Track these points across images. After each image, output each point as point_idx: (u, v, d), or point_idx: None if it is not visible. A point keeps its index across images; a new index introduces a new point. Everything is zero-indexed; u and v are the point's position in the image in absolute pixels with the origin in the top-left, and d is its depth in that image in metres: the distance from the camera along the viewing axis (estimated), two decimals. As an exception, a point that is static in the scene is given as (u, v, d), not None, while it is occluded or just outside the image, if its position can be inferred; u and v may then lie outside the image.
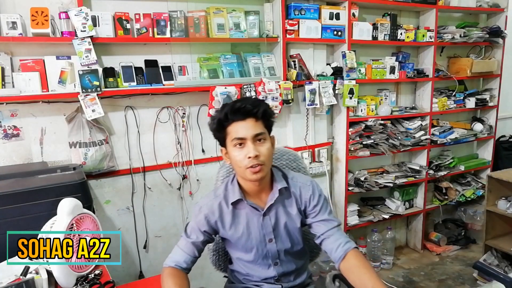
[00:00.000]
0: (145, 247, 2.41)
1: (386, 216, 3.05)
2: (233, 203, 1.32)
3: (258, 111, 1.23)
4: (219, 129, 1.26)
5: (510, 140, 3.90)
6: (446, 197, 3.40)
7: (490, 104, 3.48)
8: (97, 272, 1.43)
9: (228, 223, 1.34)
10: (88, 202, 1.59)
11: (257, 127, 1.23)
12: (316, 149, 2.82)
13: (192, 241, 1.34)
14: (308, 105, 2.63)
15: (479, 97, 3.42)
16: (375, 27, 2.83)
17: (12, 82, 1.93)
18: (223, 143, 1.29)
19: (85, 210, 1.45)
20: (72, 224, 1.37)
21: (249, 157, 1.21)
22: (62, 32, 2.00)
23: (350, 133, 2.82)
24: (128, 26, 2.13)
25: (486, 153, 3.67)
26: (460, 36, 3.14)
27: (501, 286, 1.33)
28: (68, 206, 1.35)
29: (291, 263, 1.43)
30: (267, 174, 1.30)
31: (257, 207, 1.32)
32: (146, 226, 2.40)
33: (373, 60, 2.95)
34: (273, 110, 1.32)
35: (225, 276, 1.64)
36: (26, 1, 1.95)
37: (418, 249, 3.35)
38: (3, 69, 1.91)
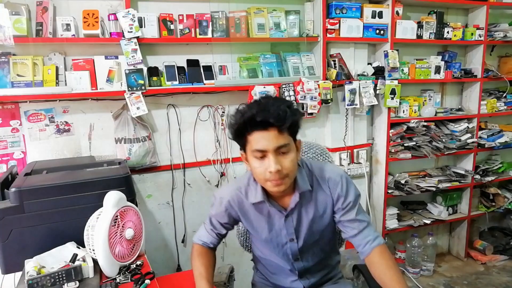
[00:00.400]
0: (183, 241, 2.48)
1: (428, 221, 2.94)
2: (255, 203, 1.27)
3: (284, 124, 1.08)
4: (238, 135, 1.14)
5: None
6: (494, 203, 3.22)
7: (546, 106, 3.25)
8: (138, 263, 1.49)
9: (249, 218, 1.31)
10: (131, 195, 1.65)
11: (280, 139, 1.09)
12: (355, 150, 2.77)
13: (214, 229, 1.38)
14: (347, 105, 2.59)
15: (533, 100, 3.21)
16: (420, 25, 2.74)
17: (65, 80, 2.05)
18: (243, 147, 1.17)
19: (129, 203, 1.51)
20: (117, 216, 1.43)
21: (270, 172, 1.09)
22: (110, 33, 2.10)
23: (391, 135, 2.75)
24: (172, 27, 2.20)
25: (541, 158, 3.44)
26: (514, 34, 2.96)
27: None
28: (113, 199, 1.42)
29: (314, 258, 1.37)
30: (291, 184, 1.18)
31: (280, 209, 1.25)
32: (184, 221, 2.46)
33: (417, 60, 2.85)
34: (301, 115, 1.24)
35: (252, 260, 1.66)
36: (78, 4, 2.07)
37: (462, 257, 3.20)
38: (57, 68, 2.04)
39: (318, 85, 2.45)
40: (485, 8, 2.89)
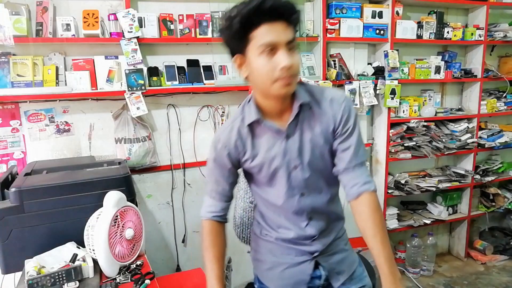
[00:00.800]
0: (183, 241, 2.48)
1: (428, 221, 2.94)
2: (250, 124, 1.10)
3: (294, 14, 0.98)
4: (240, 33, 0.98)
5: None
6: (494, 203, 3.22)
7: (546, 106, 3.25)
8: (138, 262, 1.49)
9: (249, 150, 1.12)
10: (131, 195, 1.65)
11: (289, 32, 0.99)
12: (355, 150, 2.77)
13: (219, 189, 1.20)
14: (347, 105, 2.59)
15: (533, 99, 3.21)
16: (420, 25, 2.74)
17: (65, 80, 2.05)
18: (241, 49, 1.01)
19: (129, 203, 1.51)
20: (117, 216, 1.44)
21: (282, 67, 0.97)
22: (110, 33, 2.10)
23: (391, 135, 2.75)
24: (172, 27, 2.20)
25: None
26: (514, 34, 2.96)
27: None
28: (113, 199, 1.42)
29: (320, 194, 1.17)
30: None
31: (279, 129, 1.09)
32: (184, 221, 2.46)
33: (417, 60, 2.85)
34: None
35: (248, 252, 1.63)
36: (78, 4, 2.07)
37: (462, 257, 3.20)
38: (57, 68, 2.04)
39: (318, 85, 2.45)
40: (485, 8, 2.89)
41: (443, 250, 3.33)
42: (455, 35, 2.84)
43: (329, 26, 2.48)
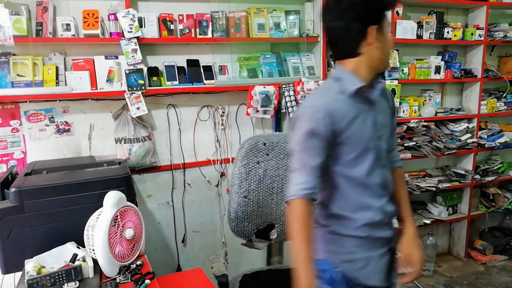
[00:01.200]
0: (183, 241, 2.48)
1: (428, 221, 2.94)
2: (355, 91, 1.12)
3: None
4: (382, 9, 1.13)
5: None
6: (494, 204, 3.22)
7: (546, 107, 3.25)
8: (138, 262, 1.49)
9: (347, 120, 1.12)
10: (131, 195, 1.65)
11: None
12: (355, 150, 2.77)
13: (316, 160, 1.10)
14: (347, 105, 2.59)
15: (533, 99, 3.21)
16: (420, 25, 2.74)
17: (65, 80, 2.05)
18: (377, 21, 1.11)
19: (129, 203, 1.51)
20: (117, 216, 1.43)
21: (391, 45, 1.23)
22: (110, 33, 2.10)
23: (391, 135, 2.75)
24: (172, 27, 2.20)
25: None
26: (514, 34, 2.96)
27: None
28: (113, 199, 1.42)
29: (388, 167, 1.27)
30: None
31: (372, 100, 1.17)
32: (184, 221, 2.46)
33: (417, 60, 2.85)
34: None
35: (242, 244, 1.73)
36: (78, 4, 2.07)
37: (462, 257, 3.20)
38: (57, 68, 2.04)
39: (318, 85, 2.45)
40: (485, 8, 2.89)
41: (443, 250, 3.33)
42: (455, 35, 2.84)
43: (329, 26, 2.48)
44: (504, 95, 3.14)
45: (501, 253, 3.18)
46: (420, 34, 2.74)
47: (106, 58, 2.12)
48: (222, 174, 2.50)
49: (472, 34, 2.88)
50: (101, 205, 1.44)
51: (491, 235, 3.32)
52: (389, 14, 1.17)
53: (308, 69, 2.53)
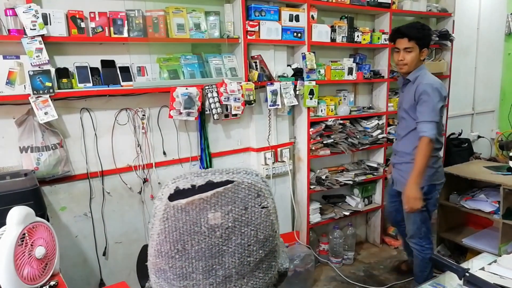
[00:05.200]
0: (104, 254, 2.32)
1: (347, 213, 3.13)
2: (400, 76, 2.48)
3: (409, 35, 2.25)
4: (391, 40, 2.40)
5: (459, 137, 4.14)
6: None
7: (441, 103, 3.66)
8: (52, 283, 1.36)
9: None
10: (41, 210, 1.51)
11: (407, 44, 2.26)
12: (278, 149, 2.85)
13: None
14: (270, 106, 2.65)
15: (430, 97, 3.60)
16: (333, 29, 2.90)
17: (-46, 83, 1.79)
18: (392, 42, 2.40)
19: (38, 219, 1.37)
20: (24, 234, 1.29)
21: (398, 60, 2.32)
22: (9, 30, 1.88)
23: (311, 133, 2.88)
24: (83, 25, 2.05)
25: (438, 150, 3.86)
26: (413, 39, 3.28)
27: (454, 276, 1.40)
28: (18, 215, 1.28)
29: (403, 135, 2.44)
30: (410, 71, 2.32)
31: (403, 82, 2.42)
32: (105, 233, 2.31)
33: (332, 62, 3.02)
34: (431, 35, 2.48)
35: None
36: (-32, -4, 1.82)
37: (377, 244, 3.47)
38: None
39: (241, 86, 2.47)
40: (388, 15, 3.17)
41: (361, 238, 3.58)
42: (364, 39, 3.06)
43: (249, 28, 2.51)
44: (407, 94, 3.47)
45: (410, 237, 3.51)
46: (333, 37, 2.91)
47: (4, 58, 1.90)
48: (145, 180, 2.39)
49: (378, 38, 3.13)
50: (5, 223, 1.28)
51: (401, 221, 3.64)
52: (396, 44, 2.34)
53: (230, 71, 2.54)
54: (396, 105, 3.35)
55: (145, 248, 1.65)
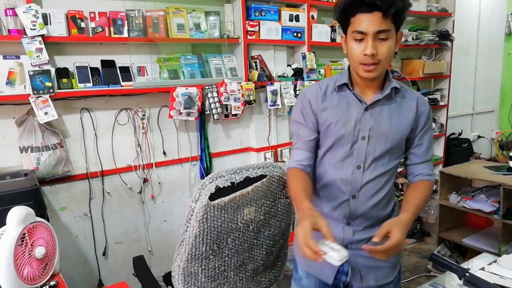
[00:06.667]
0: (104, 254, 2.32)
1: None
2: (339, 86, 1.26)
3: (391, 7, 1.10)
4: (342, 17, 1.19)
5: (459, 137, 4.14)
6: (402, 192, 3.54)
7: (441, 103, 3.67)
8: (52, 283, 1.36)
9: (329, 104, 1.26)
10: (41, 209, 1.51)
11: (383, 24, 1.12)
12: (278, 149, 2.85)
13: (305, 142, 1.30)
14: (270, 106, 2.65)
15: (431, 96, 3.60)
16: (333, 29, 2.90)
17: (-46, 83, 1.79)
18: (344, 30, 1.21)
19: (38, 219, 1.37)
20: (24, 234, 1.29)
21: (365, 54, 1.14)
22: (9, 30, 1.88)
23: (311, 133, 2.86)
24: (83, 25, 2.05)
25: (438, 150, 3.87)
26: (413, 38, 3.29)
27: (454, 276, 1.40)
28: (18, 215, 1.27)
29: (374, 171, 1.26)
30: (381, 74, 1.22)
31: (361, 99, 1.24)
32: (105, 233, 2.31)
33: (332, 62, 3.02)
34: (409, 5, 1.18)
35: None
36: (-32, -4, 1.83)
37: (378, 244, 3.46)
38: None
39: (241, 86, 2.47)
40: (388, 15, 3.16)
41: (362, 238, 3.57)
42: (364, 39, 3.06)
43: (249, 28, 2.51)
44: (407, 94, 3.47)
45: (410, 237, 3.52)
46: (333, 37, 2.91)
47: (4, 58, 1.90)
48: (145, 180, 2.39)
49: (378, 38, 3.12)
50: (5, 223, 1.28)
51: (401, 221, 3.64)
52: (357, 26, 1.14)
53: (230, 70, 2.54)
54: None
55: (139, 260, 1.66)
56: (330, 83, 1.29)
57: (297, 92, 2.76)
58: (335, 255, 0.99)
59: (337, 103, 1.26)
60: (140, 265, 1.68)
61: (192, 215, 1.30)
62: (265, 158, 2.78)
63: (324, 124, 1.26)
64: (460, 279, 1.37)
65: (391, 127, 1.24)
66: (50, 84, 1.93)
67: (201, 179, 2.54)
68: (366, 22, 1.12)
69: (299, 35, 2.74)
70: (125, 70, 2.21)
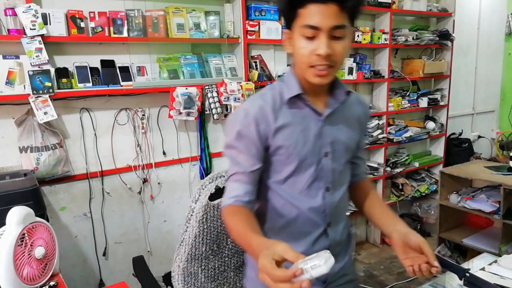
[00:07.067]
0: (104, 254, 2.32)
1: (347, 213, 3.11)
2: (291, 98, 1.01)
3: (347, 1, 0.93)
4: (288, 8, 0.96)
5: (459, 137, 4.14)
6: (403, 192, 3.54)
7: (441, 103, 3.67)
8: (52, 283, 1.35)
9: (284, 122, 1.01)
10: (41, 210, 1.51)
11: (339, 18, 0.93)
12: (278, 149, 2.84)
13: (245, 171, 1.01)
14: (270, 106, 2.64)
15: (431, 96, 3.60)
16: (333, 29, 2.89)
17: (-47, 83, 1.79)
18: (289, 24, 0.98)
19: (38, 219, 1.37)
20: (23, 234, 1.29)
21: (318, 55, 0.92)
22: (8, 30, 1.88)
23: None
24: (82, 24, 2.04)
25: (438, 150, 3.87)
26: (413, 38, 3.29)
27: (454, 276, 1.40)
28: (18, 215, 1.27)
29: (341, 189, 1.12)
30: (334, 75, 1.02)
31: (317, 110, 1.03)
32: (105, 233, 2.31)
33: (332, 61, 3.01)
34: None
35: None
36: (-33, -4, 1.82)
37: (378, 244, 3.46)
38: None
39: (241, 86, 2.46)
40: (389, 14, 3.16)
41: (362, 238, 3.57)
42: (364, 39, 3.06)
43: (249, 28, 2.51)
44: (407, 93, 3.48)
45: (411, 237, 3.50)
46: (333, 37, 2.90)
47: (4, 57, 1.90)
48: (145, 180, 2.39)
49: (378, 38, 3.13)
50: (4, 224, 1.28)
51: (401, 221, 3.64)
52: (307, 19, 0.92)
53: (230, 70, 2.54)
54: (396, 106, 3.35)
55: (139, 260, 1.66)
56: (276, 95, 1.03)
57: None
58: (317, 261, 0.72)
59: (291, 119, 1.02)
60: (140, 265, 1.67)
61: (191, 215, 1.30)
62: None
63: (281, 147, 1.02)
64: (461, 279, 1.37)
65: (348, 135, 1.10)
66: (49, 84, 1.93)
67: (201, 179, 2.54)
68: (319, 15, 0.91)
69: (299, 35, 2.73)
70: (125, 70, 2.20)
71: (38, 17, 1.87)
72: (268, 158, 1.05)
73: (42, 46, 1.90)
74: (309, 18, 0.92)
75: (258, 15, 2.54)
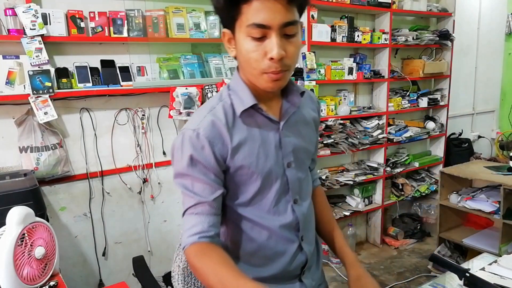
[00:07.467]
0: (104, 254, 2.32)
1: (347, 213, 3.12)
2: (245, 111, 0.89)
3: None
4: (229, 3, 0.81)
5: (459, 137, 4.14)
6: (403, 192, 3.54)
7: (441, 103, 3.67)
8: (52, 283, 1.36)
9: (240, 138, 0.89)
10: (41, 210, 1.51)
11: (289, 13, 0.81)
12: (278, 149, 2.84)
13: (205, 201, 0.87)
14: (270, 106, 2.64)
15: (431, 96, 3.60)
16: (333, 29, 2.90)
17: (-47, 83, 1.79)
18: (229, 23, 0.85)
19: (38, 219, 1.37)
20: (23, 234, 1.29)
21: (271, 58, 0.80)
22: (8, 30, 1.88)
23: (311, 133, 2.85)
24: (82, 24, 2.04)
25: (438, 150, 3.87)
26: (413, 38, 3.28)
27: (454, 276, 1.40)
28: (18, 215, 1.27)
29: (308, 198, 1.04)
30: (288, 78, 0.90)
31: (273, 118, 0.92)
32: (105, 233, 2.31)
33: (332, 61, 3.01)
34: None
35: None
36: (-33, -4, 1.82)
37: (378, 244, 3.46)
38: None
39: (241, 86, 2.46)
40: (389, 14, 3.16)
41: (362, 238, 3.57)
42: (364, 39, 3.06)
43: (249, 28, 2.50)
44: (407, 93, 3.47)
45: (411, 237, 3.51)
46: (333, 37, 2.91)
47: (4, 57, 1.90)
48: (145, 181, 2.39)
49: (378, 38, 3.13)
50: (4, 224, 1.28)
51: (401, 221, 3.64)
52: (253, 16, 0.79)
53: (230, 70, 2.54)
54: (396, 106, 3.35)
55: (139, 260, 1.66)
56: (227, 109, 0.90)
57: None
58: None
59: (247, 133, 0.90)
60: (140, 265, 1.67)
61: None
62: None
63: (242, 167, 0.90)
64: (461, 279, 1.37)
65: (307, 138, 1.01)
66: (49, 84, 1.93)
67: (201, 179, 2.53)
68: (267, 11, 0.78)
69: (299, 35, 2.73)
70: (125, 70, 2.20)
71: (38, 17, 1.87)
72: (229, 181, 0.92)
73: (42, 46, 1.90)
74: (256, 15, 0.79)
75: (258, 15, 2.54)
